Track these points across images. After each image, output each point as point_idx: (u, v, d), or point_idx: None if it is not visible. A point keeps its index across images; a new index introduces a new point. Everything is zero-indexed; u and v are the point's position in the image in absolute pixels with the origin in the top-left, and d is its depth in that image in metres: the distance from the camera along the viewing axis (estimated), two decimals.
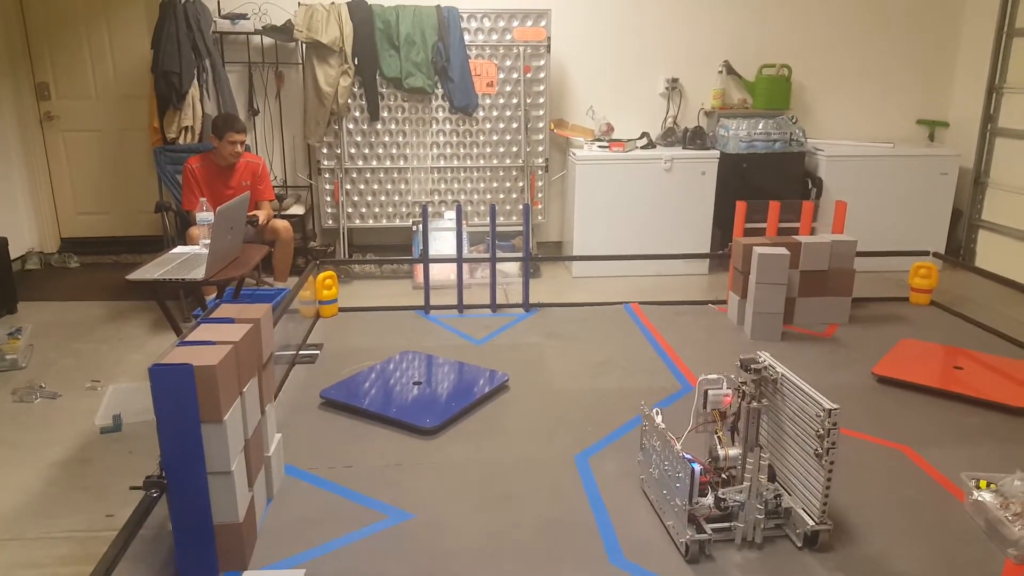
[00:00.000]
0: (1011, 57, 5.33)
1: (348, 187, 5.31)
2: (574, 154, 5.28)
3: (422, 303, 4.62)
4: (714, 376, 2.42)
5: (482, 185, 5.41)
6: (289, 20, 5.05)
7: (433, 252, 5.03)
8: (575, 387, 3.47)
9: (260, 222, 4.49)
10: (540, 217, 5.54)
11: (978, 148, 5.52)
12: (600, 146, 5.28)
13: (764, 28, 5.56)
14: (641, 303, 4.64)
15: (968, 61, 5.66)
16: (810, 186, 5.33)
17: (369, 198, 5.36)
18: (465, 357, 3.77)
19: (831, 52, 5.66)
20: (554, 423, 3.13)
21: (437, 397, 3.28)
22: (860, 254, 4.30)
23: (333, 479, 2.67)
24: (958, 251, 5.70)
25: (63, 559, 2.32)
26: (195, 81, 4.93)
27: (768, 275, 4.05)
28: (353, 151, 5.27)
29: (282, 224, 4.64)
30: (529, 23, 5.14)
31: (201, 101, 4.97)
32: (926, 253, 4.84)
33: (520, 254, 4.92)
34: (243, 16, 5.15)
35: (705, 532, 2.26)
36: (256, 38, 5.29)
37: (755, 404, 2.30)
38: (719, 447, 2.38)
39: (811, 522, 2.27)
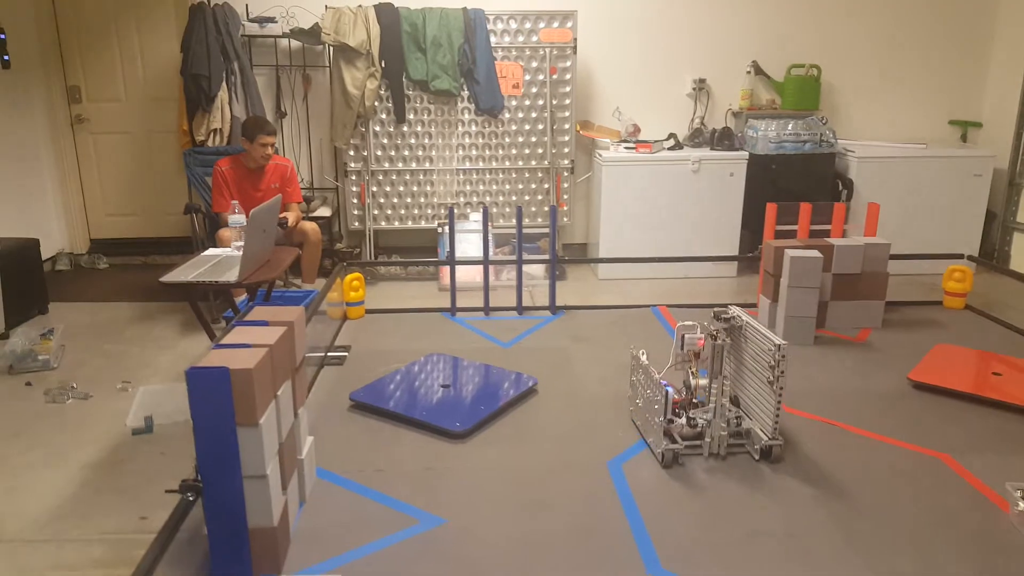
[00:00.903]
0: None
1: (374, 189, 5.32)
2: (600, 155, 5.24)
3: (448, 305, 4.61)
4: (690, 323, 2.93)
5: (507, 187, 5.39)
6: (316, 23, 5.07)
7: (459, 254, 5.02)
8: (605, 391, 3.44)
9: (289, 224, 4.51)
10: (565, 219, 5.51)
11: (1013, 149, 5.42)
12: (627, 147, 5.24)
13: (792, 28, 5.50)
14: (669, 306, 4.60)
15: (1002, 60, 5.56)
16: (840, 188, 5.26)
17: (395, 200, 5.36)
18: (492, 360, 3.76)
19: (861, 52, 5.58)
20: (585, 428, 3.10)
21: (466, 400, 3.26)
22: (892, 257, 4.23)
23: (364, 483, 2.66)
24: (992, 254, 5.60)
25: (97, 561, 2.33)
26: (224, 84, 4.96)
27: (801, 278, 4.00)
28: (379, 153, 5.27)
29: (310, 226, 4.66)
30: (555, 24, 5.12)
31: (230, 104, 5.00)
32: (960, 256, 4.76)
33: (546, 256, 4.89)
34: (271, 19, 5.17)
35: (678, 443, 2.78)
36: (284, 41, 5.31)
37: (719, 342, 2.85)
38: (691, 379, 2.94)
39: (765, 438, 2.78)
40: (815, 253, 4.02)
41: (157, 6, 5.43)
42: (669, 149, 5.27)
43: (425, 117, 5.23)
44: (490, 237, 5.02)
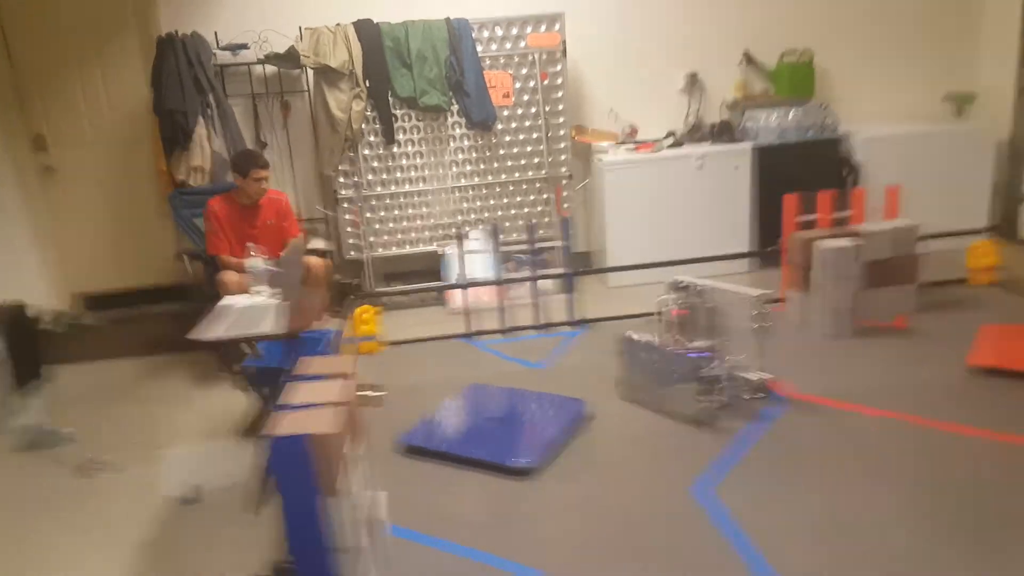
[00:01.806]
0: None
1: (368, 215, 5.07)
2: (600, 160, 5.07)
3: (463, 329, 4.39)
4: (665, 297, 3.46)
5: (506, 200, 5.18)
6: (293, 46, 4.81)
7: (461, 274, 4.79)
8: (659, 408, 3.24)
9: None
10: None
11: (1014, 119, 5.36)
12: (627, 149, 5.08)
13: (781, 13, 5.38)
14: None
15: (994, 32, 5.48)
16: (846, 173, 5.16)
17: (392, 224, 5.12)
18: (530, 384, 3.55)
19: (850, 31, 5.47)
20: (653, 451, 2.90)
21: (521, 432, 3.06)
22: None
23: (439, 534, 2.42)
24: (1006, 227, 5.51)
25: None
26: (200, 118, 4.67)
27: (835, 269, 3.87)
28: (371, 177, 5.03)
29: (316, 261, 4.38)
30: (543, 28, 4.94)
31: (209, 139, 4.71)
32: (982, 231, 4.67)
33: (560, 270, 4.69)
34: (243, 46, 4.90)
35: (713, 399, 3.10)
36: (258, 68, 5.04)
37: (708, 305, 3.33)
38: (688, 343, 3.25)
39: (755, 378, 3.22)
40: (847, 242, 3.90)
41: (120, 42, 5.11)
42: (670, 147, 5.12)
43: (415, 136, 5.00)
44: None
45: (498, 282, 4.48)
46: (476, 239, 5.04)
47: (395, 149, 5.00)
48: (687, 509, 2.49)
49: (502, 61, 4.96)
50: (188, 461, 3.17)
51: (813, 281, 3.99)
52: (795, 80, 5.32)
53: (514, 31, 4.92)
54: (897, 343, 3.74)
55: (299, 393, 1.90)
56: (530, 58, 4.97)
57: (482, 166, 5.10)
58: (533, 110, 5.05)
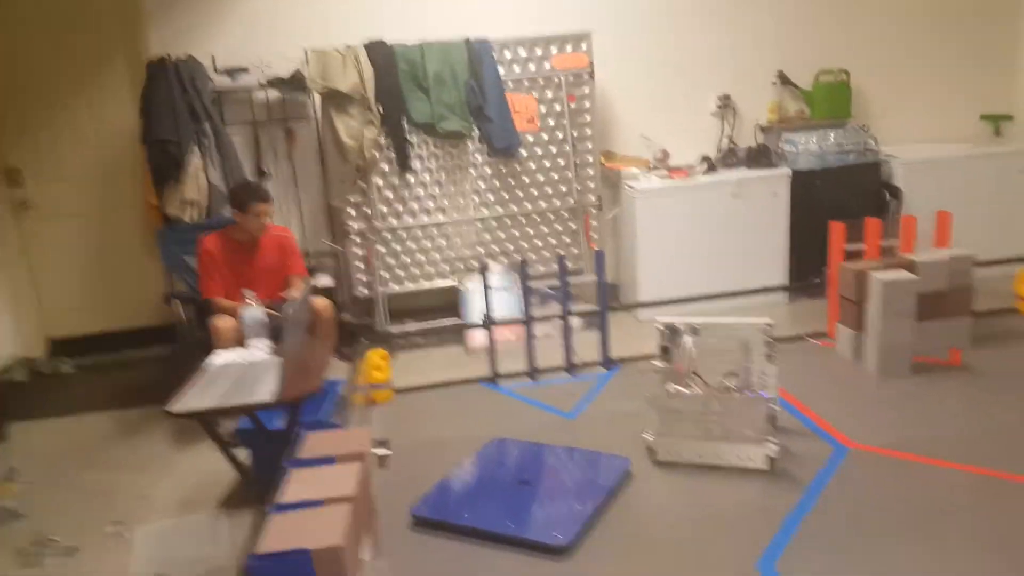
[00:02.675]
0: None
1: (381, 249, 4.68)
2: (631, 187, 4.73)
3: (484, 372, 4.03)
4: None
5: (531, 231, 4.81)
6: (298, 70, 4.44)
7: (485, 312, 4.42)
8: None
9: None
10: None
11: None
12: (659, 175, 4.75)
13: (816, 32, 5.10)
14: None
15: None
16: (888, 197, 4.86)
17: (406, 259, 4.73)
18: (562, 438, 3.18)
19: (887, 51, 5.21)
20: (708, 520, 2.54)
21: (555, 499, 2.68)
22: None
23: None
24: None
25: None
26: (196, 148, 4.27)
27: (894, 303, 3.57)
28: (384, 209, 4.64)
29: (322, 303, 3.98)
30: (568, 48, 4.60)
31: (205, 171, 4.30)
32: None
33: (593, 307, 4.33)
34: (243, 70, 4.51)
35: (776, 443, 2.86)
36: (260, 93, 4.65)
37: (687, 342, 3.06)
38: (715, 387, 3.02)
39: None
40: (907, 275, 3.60)
41: (105, 68, 4.71)
42: (704, 173, 4.79)
43: (433, 164, 4.63)
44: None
45: (524, 320, 4.10)
46: (498, 273, 4.68)
47: (410, 178, 4.62)
48: None
49: (526, 84, 4.62)
50: (153, 540, 2.73)
51: (868, 315, 3.68)
52: (832, 100, 5.03)
53: (538, 52, 4.58)
54: (956, 382, 3.46)
55: (301, 485, 1.48)
56: (556, 80, 4.63)
57: (505, 195, 4.73)
58: (559, 135, 4.70)
